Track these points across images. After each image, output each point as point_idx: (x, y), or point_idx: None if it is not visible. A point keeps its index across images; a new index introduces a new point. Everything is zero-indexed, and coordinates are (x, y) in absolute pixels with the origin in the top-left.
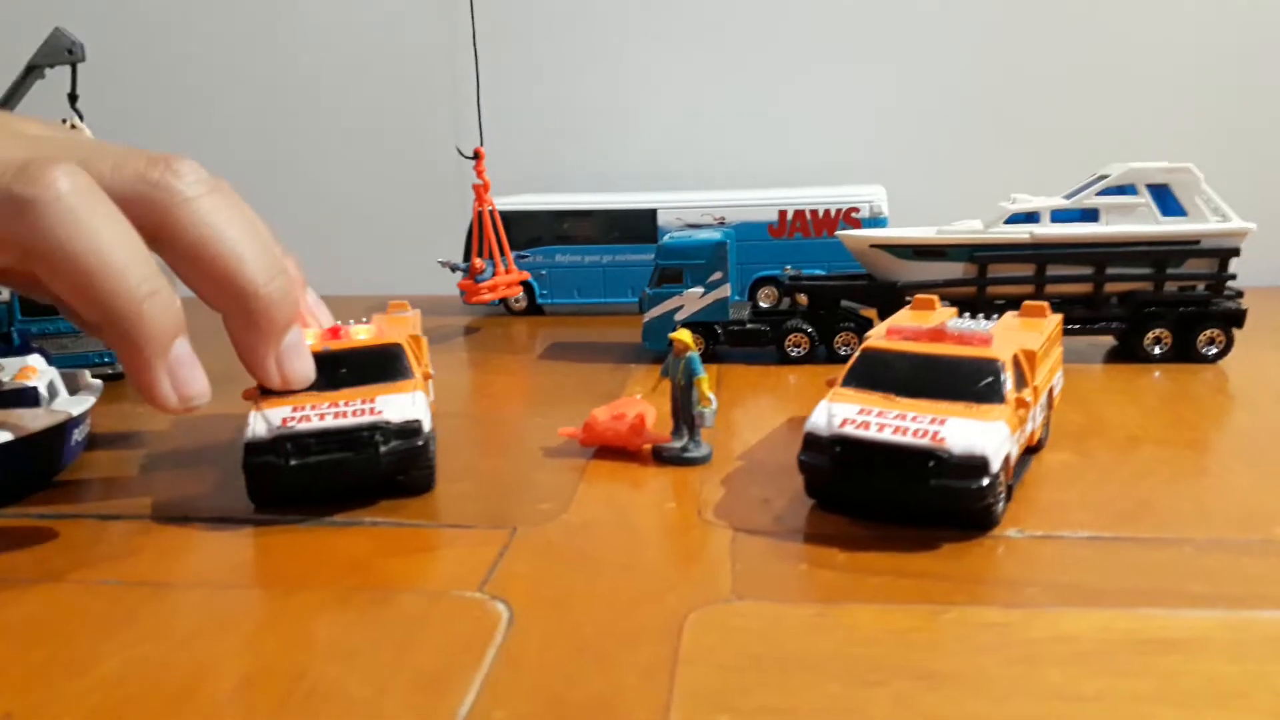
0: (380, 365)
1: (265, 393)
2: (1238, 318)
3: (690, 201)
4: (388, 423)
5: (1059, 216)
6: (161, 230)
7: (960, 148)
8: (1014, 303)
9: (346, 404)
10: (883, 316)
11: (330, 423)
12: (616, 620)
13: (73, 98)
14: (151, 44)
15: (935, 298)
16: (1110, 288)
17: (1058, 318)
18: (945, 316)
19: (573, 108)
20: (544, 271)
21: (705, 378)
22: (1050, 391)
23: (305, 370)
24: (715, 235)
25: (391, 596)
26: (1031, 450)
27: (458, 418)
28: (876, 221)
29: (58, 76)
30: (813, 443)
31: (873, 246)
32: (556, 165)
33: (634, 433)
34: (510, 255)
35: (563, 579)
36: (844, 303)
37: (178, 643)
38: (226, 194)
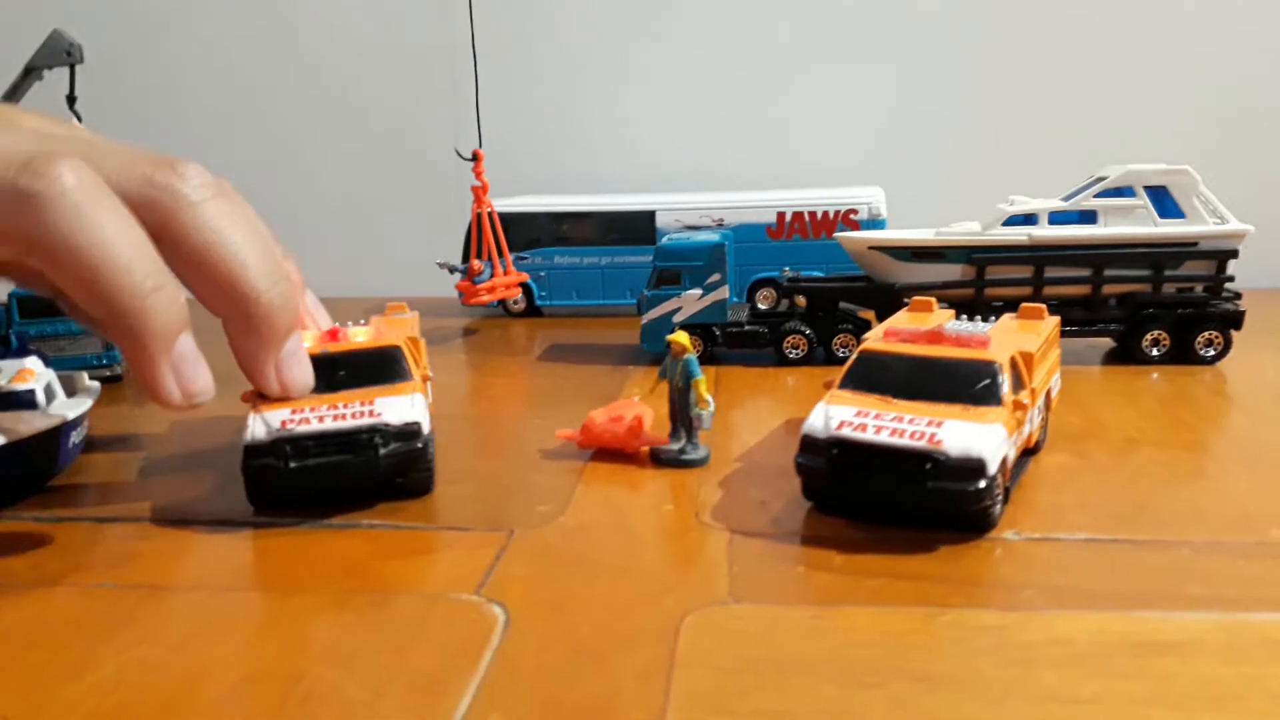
0: (379, 367)
1: (264, 395)
2: (1236, 319)
3: (689, 203)
4: (387, 425)
5: (1057, 218)
6: (165, 233)
7: (959, 150)
8: (1012, 305)
9: (345, 406)
10: (881, 318)
11: (329, 425)
12: (613, 622)
13: (71, 99)
14: (149, 46)
15: (933, 299)
16: (1108, 289)
17: (1055, 320)
18: (943, 318)
19: (571, 109)
20: (543, 273)
21: (703, 379)
22: (1048, 393)
23: (304, 378)
24: (713, 237)
25: (388, 599)
26: (1029, 452)
27: (456, 420)
28: (875, 223)
29: (56, 78)
30: (810, 445)
31: (871, 248)
32: (555, 167)
33: (632, 435)
34: (509, 257)
35: (560, 581)
36: (842, 304)
37: (175, 646)
38: (230, 198)
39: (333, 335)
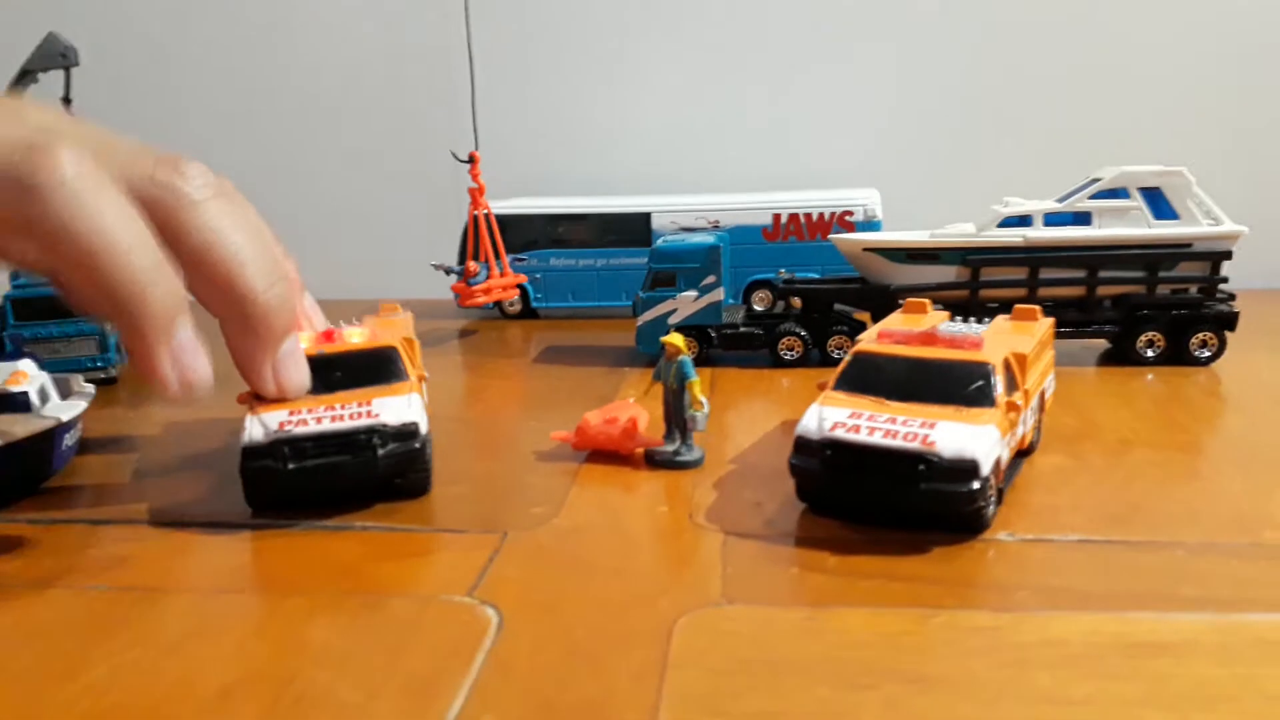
0: (375, 368)
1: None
2: (1230, 320)
3: (684, 205)
4: (385, 426)
5: (1051, 220)
6: (165, 231)
7: (955, 151)
8: (1007, 306)
9: (343, 407)
10: (876, 320)
11: (327, 426)
12: (607, 624)
13: (66, 102)
14: (145, 48)
15: (927, 301)
16: (1103, 291)
17: (1049, 321)
18: (937, 320)
19: (567, 111)
20: (538, 275)
21: (697, 381)
22: (1042, 395)
23: (301, 379)
24: (709, 239)
25: (382, 601)
26: (1023, 453)
27: (451, 421)
28: (870, 225)
29: (51, 81)
30: (803, 446)
31: (866, 250)
32: (550, 169)
33: (626, 436)
34: (506, 259)
35: (553, 583)
36: (837, 306)
37: (167, 648)
38: (232, 197)
39: (328, 336)
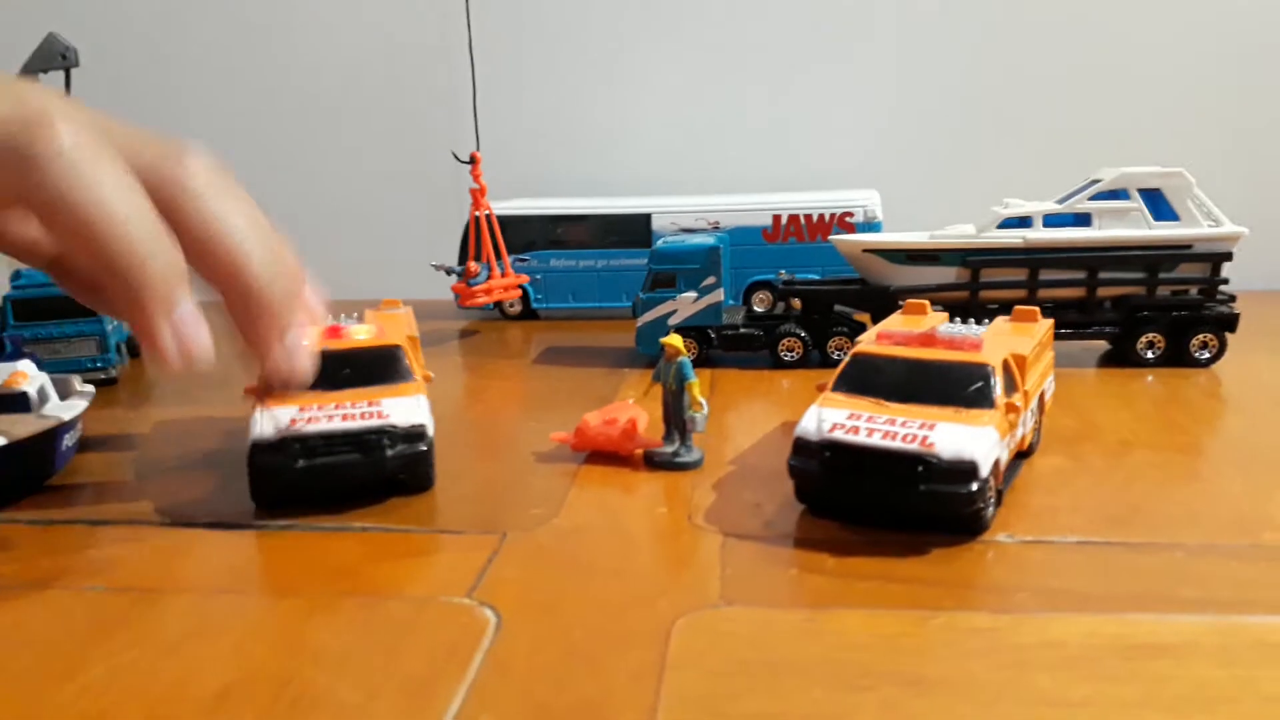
0: (382, 367)
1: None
2: (1230, 322)
3: (685, 206)
4: (394, 427)
5: (1051, 221)
6: (166, 218)
7: (955, 152)
8: (1006, 307)
9: (353, 406)
10: (876, 321)
11: (338, 425)
12: (605, 625)
13: None
14: (145, 48)
15: (926, 302)
16: (1103, 292)
17: (1049, 323)
18: (936, 321)
19: (568, 112)
20: (538, 276)
21: (696, 382)
22: (1041, 396)
23: (305, 367)
24: (709, 240)
25: (380, 602)
26: (1022, 455)
27: (451, 422)
28: (871, 226)
29: (51, 81)
30: (802, 448)
31: (866, 251)
32: (551, 169)
33: (626, 437)
34: (508, 259)
35: (552, 584)
36: (837, 307)
37: (166, 648)
38: (234, 187)
39: (334, 332)
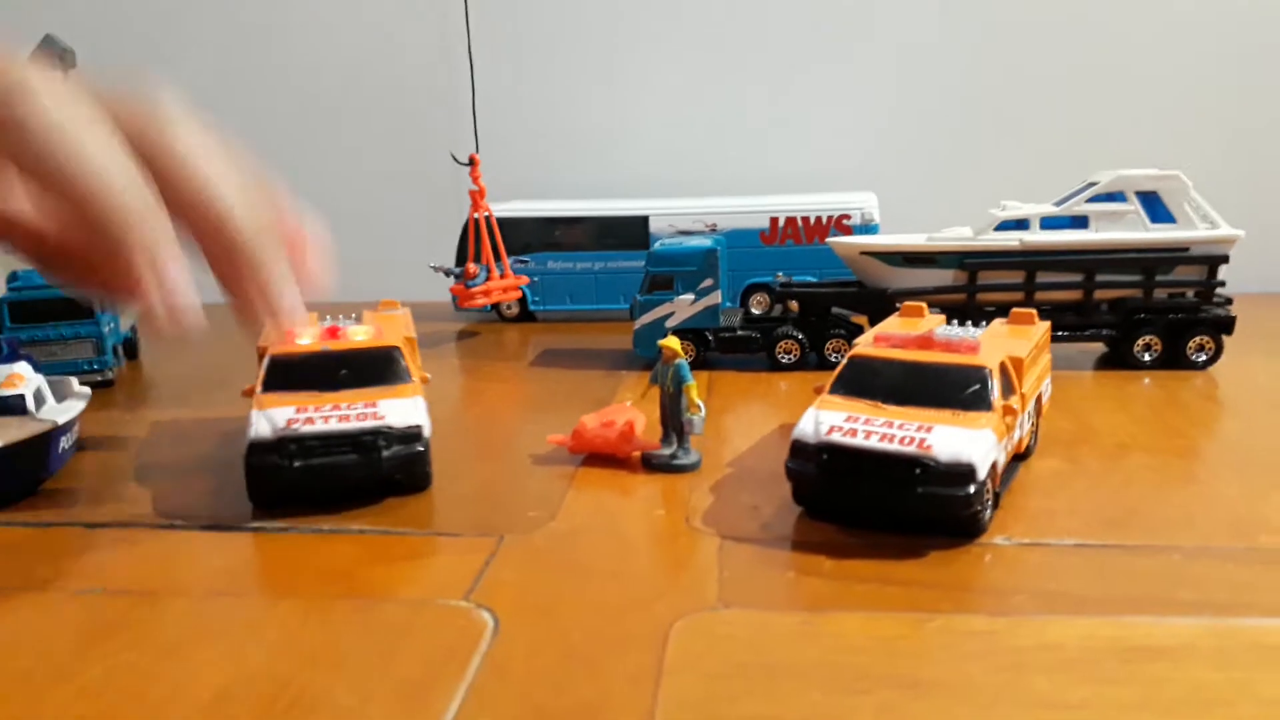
0: (380, 368)
1: (265, 389)
2: (1227, 324)
3: (682, 208)
4: (390, 428)
5: (1049, 224)
6: (151, 174)
7: (953, 154)
8: (1004, 310)
9: (350, 407)
10: (873, 323)
11: (335, 426)
12: (603, 628)
13: None
14: (145, 48)
15: (923, 305)
16: (1100, 295)
17: (1046, 325)
18: (933, 324)
19: (566, 114)
20: (536, 278)
21: (694, 385)
22: (1039, 398)
23: (296, 301)
24: (706, 242)
25: (376, 605)
26: (1020, 457)
27: (448, 424)
28: (868, 228)
29: None
30: (800, 450)
31: (863, 253)
32: (549, 171)
33: (623, 440)
34: (507, 261)
35: (549, 587)
36: (835, 310)
37: (163, 651)
38: (218, 146)
39: (333, 333)
